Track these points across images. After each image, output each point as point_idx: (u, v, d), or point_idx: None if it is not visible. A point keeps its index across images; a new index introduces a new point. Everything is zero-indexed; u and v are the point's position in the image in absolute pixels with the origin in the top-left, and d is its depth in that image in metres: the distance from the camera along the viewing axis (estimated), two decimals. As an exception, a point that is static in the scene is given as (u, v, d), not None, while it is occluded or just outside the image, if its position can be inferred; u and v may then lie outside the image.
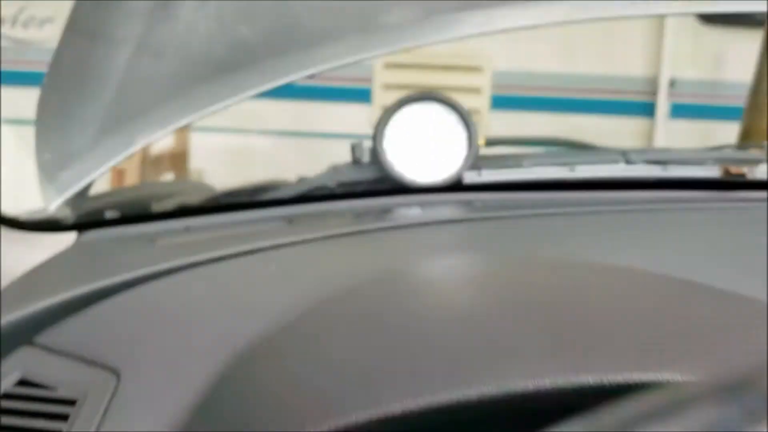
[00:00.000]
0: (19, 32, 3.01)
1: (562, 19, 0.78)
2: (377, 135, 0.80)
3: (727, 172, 0.80)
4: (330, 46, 0.76)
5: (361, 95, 3.43)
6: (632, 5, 0.78)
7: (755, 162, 0.82)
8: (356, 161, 0.81)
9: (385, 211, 0.69)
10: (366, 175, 0.81)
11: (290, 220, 0.66)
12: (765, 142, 0.84)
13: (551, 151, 0.82)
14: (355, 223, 0.61)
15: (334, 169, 0.81)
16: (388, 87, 3.60)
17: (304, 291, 0.47)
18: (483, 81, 3.71)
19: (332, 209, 0.72)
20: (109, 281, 0.49)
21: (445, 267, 0.52)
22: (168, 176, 2.98)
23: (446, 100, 0.81)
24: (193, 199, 0.81)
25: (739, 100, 2.85)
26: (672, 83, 3.51)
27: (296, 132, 3.40)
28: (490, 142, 0.83)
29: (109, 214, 0.66)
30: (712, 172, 0.81)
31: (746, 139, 2.71)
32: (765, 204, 0.77)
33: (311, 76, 0.78)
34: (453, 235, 0.62)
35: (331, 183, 0.81)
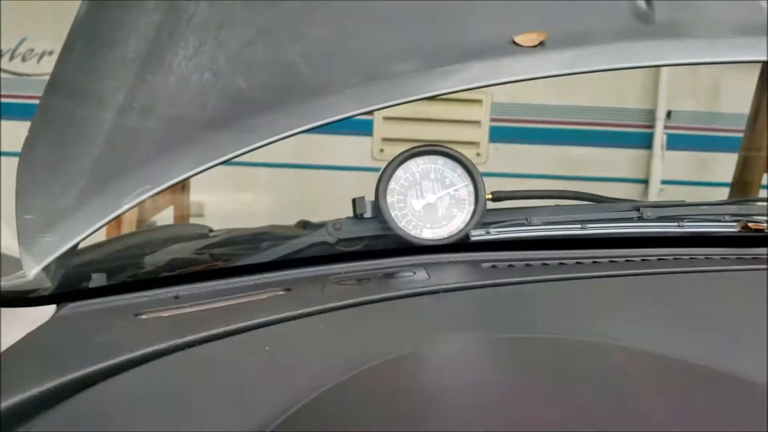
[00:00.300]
0: (17, 66, 3.00)
1: (567, 70, 0.75)
2: (380, 189, 0.76)
3: (746, 227, 0.76)
4: (330, 98, 0.73)
5: (362, 126, 3.43)
6: (626, 58, 0.75)
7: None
8: (357, 216, 0.77)
9: (390, 275, 0.65)
10: (368, 230, 0.77)
11: (288, 287, 0.62)
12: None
13: (561, 207, 0.78)
14: (358, 293, 0.57)
15: (334, 225, 0.77)
16: (389, 119, 3.60)
17: (307, 377, 0.43)
18: (482, 113, 3.71)
19: (333, 271, 0.67)
20: (91, 368, 0.45)
21: (454, 348, 0.48)
22: (167, 210, 2.94)
23: (451, 154, 0.78)
24: (184, 258, 0.77)
25: (734, 131, 2.85)
26: (668, 115, 3.53)
27: (297, 164, 3.38)
28: (498, 197, 0.79)
29: (92, 283, 0.62)
30: (730, 227, 0.77)
31: (744, 168, 2.71)
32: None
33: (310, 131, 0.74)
34: (462, 304, 0.57)
35: (331, 239, 0.77)
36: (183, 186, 3.11)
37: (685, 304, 0.59)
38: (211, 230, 1.38)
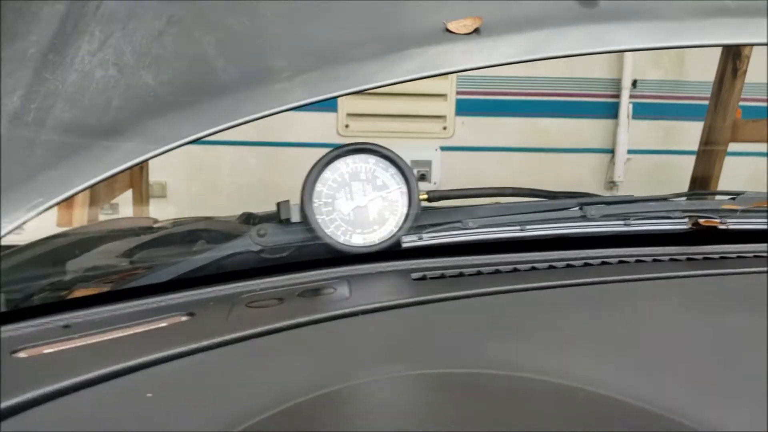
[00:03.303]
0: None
1: (539, 55, 0.70)
2: (305, 192, 0.71)
3: (696, 224, 0.72)
4: (245, 94, 0.66)
5: (327, 102, 3.35)
6: (585, 44, 0.70)
7: (728, 212, 0.74)
8: (282, 221, 0.72)
9: (306, 294, 0.60)
10: (294, 237, 0.71)
11: (193, 311, 0.57)
12: (747, 193, 0.76)
13: (502, 205, 0.73)
14: (266, 319, 0.51)
15: (259, 231, 0.72)
16: (354, 92, 3.52)
17: (219, 417, 0.38)
18: (448, 86, 3.65)
19: (248, 288, 0.62)
20: None
21: (369, 387, 0.43)
22: (125, 194, 2.84)
23: (383, 153, 0.72)
24: (97, 267, 0.71)
25: (700, 99, 2.83)
26: (634, 84, 3.51)
27: (261, 142, 3.31)
28: (434, 197, 0.74)
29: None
30: (680, 224, 0.73)
31: (710, 139, 2.70)
32: (743, 259, 0.69)
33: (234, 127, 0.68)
34: (384, 328, 0.53)
35: (254, 247, 0.72)
36: (141, 167, 3.01)
37: (626, 320, 0.55)
38: (156, 221, 1.31)
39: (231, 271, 0.67)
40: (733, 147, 2.53)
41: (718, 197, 0.76)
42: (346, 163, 0.72)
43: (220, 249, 0.71)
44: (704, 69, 2.72)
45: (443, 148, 3.57)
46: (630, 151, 3.51)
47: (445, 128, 3.68)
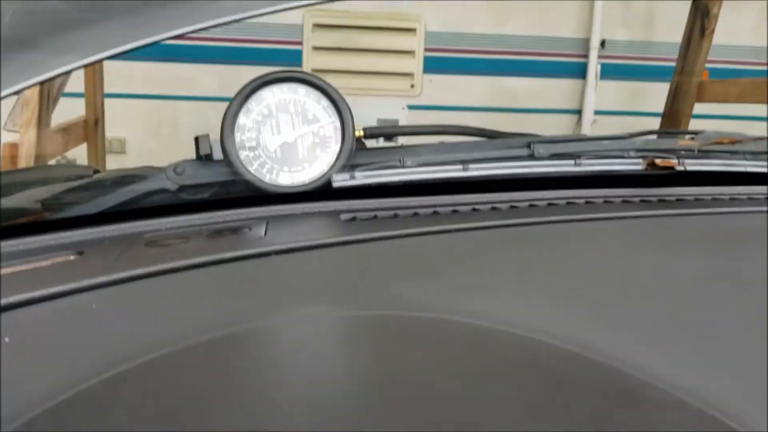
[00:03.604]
0: None
1: None
2: (226, 126, 0.63)
3: (652, 165, 0.67)
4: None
5: (292, 57, 3.28)
6: None
7: (687, 152, 0.69)
8: (203, 158, 0.65)
9: (215, 234, 0.53)
10: (215, 175, 0.64)
11: (82, 249, 0.50)
12: (705, 132, 0.71)
13: (445, 144, 0.67)
14: (157, 259, 0.45)
15: (175, 168, 0.64)
16: (319, 49, 3.41)
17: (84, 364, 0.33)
18: (416, 42, 3.55)
19: (151, 227, 0.55)
20: None
21: (297, 321, 0.37)
22: (80, 147, 2.72)
23: (315, 82, 0.65)
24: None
25: (667, 60, 2.80)
26: (602, 44, 3.46)
27: (221, 98, 3.19)
28: (371, 134, 0.67)
29: None
30: (634, 165, 0.68)
31: (676, 98, 2.67)
32: (701, 201, 0.65)
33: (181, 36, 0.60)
34: (308, 268, 0.47)
35: (170, 186, 0.65)
36: (95, 121, 2.88)
37: (574, 260, 0.49)
38: (96, 171, 1.23)
39: (141, 209, 0.60)
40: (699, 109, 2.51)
41: (678, 137, 0.71)
42: (273, 93, 0.65)
43: (132, 188, 0.64)
44: (674, 30, 2.68)
45: (411, 107, 3.49)
46: (597, 112, 3.48)
47: (412, 86, 3.60)
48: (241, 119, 0.64)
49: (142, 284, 0.43)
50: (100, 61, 0.59)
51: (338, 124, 0.65)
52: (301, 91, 0.65)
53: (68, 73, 0.59)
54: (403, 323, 0.38)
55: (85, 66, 0.59)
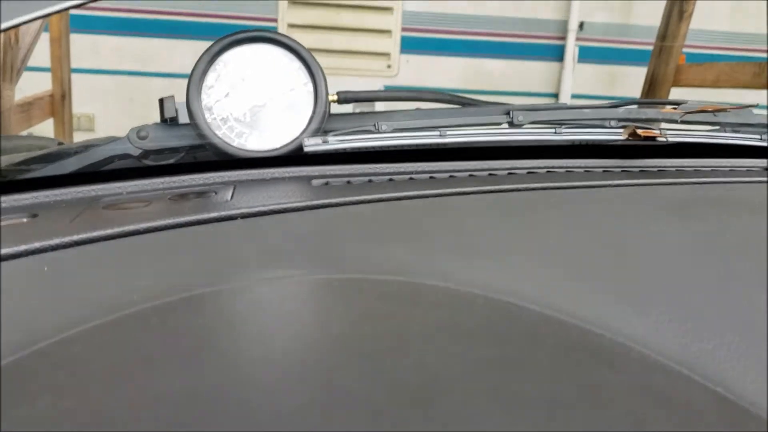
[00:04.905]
0: None
1: None
2: (192, 87, 0.60)
3: (634, 135, 0.65)
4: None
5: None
6: None
7: (670, 121, 0.67)
8: (167, 121, 0.61)
9: (179, 198, 0.50)
10: (180, 139, 0.61)
11: (36, 212, 0.47)
12: (688, 102, 0.69)
13: (422, 110, 0.65)
14: (134, 219, 0.42)
15: (138, 132, 0.61)
16: (294, 27, 3.35)
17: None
18: (393, 22, 3.51)
19: (112, 191, 0.52)
20: None
21: (263, 284, 0.35)
22: (47, 123, 2.64)
23: (287, 43, 0.62)
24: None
25: (646, 44, 2.80)
26: (581, 26, 3.45)
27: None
28: (345, 99, 0.64)
29: None
30: (616, 135, 0.66)
31: (653, 82, 2.67)
32: (682, 172, 0.63)
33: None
34: (275, 232, 0.44)
35: (133, 151, 0.61)
36: (63, 95, 2.79)
37: (552, 226, 0.47)
38: (60, 143, 1.19)
39: (102, 173, 0.57)
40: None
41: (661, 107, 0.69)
42: (243, 53, 0.62)
43: (92, 152, 0.60)
44: (653, 13, 2.68)
45: (387, 88, 3.46)
46: (574, 96, 3.48)
47: (389, 66, 3.56)
48: (209, 80, 0.61)
49: (97, 247, 0.40)
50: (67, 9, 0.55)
51: (311, 87, 0.62)
52: (273, 52, 0.62)
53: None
54: (374, 287, 0.35)
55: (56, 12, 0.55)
